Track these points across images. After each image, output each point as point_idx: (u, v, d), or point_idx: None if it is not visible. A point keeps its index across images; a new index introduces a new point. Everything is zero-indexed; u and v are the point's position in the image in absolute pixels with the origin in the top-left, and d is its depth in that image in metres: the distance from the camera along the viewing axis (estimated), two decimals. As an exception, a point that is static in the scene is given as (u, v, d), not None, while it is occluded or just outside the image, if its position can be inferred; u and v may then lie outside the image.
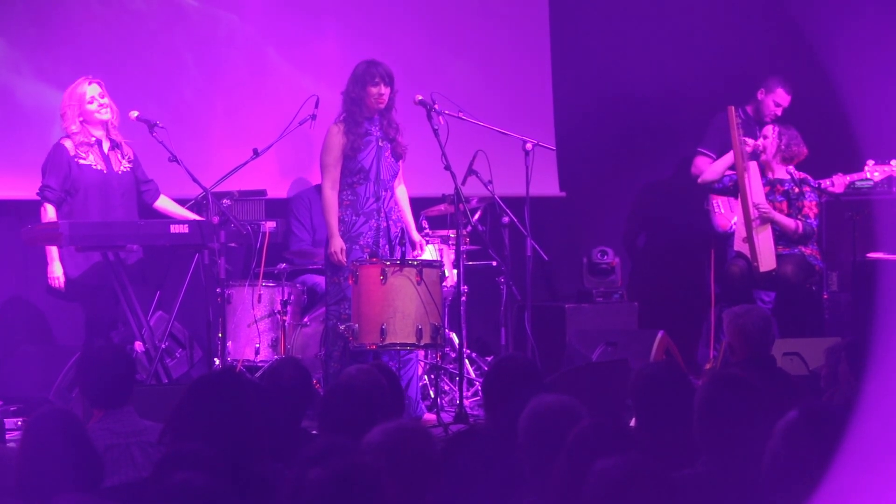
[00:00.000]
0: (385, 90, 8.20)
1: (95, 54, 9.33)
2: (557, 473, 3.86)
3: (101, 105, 8.28)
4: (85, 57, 9.28)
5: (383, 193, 8.25)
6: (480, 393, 8.48)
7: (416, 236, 8.45)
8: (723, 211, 10.20)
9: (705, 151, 10.26)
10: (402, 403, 5.92)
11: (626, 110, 11.23)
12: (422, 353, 8.43)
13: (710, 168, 9.85)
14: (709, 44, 11.08)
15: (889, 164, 9.82)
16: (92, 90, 8.27)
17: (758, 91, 10.26)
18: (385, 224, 8.23)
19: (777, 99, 10.22)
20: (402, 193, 8.43)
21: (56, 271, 8.23)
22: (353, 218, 8.21)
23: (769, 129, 9.63)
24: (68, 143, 8.25)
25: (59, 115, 8.34)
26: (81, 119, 8.25)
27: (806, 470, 3.61)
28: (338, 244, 8.14)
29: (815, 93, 10.67)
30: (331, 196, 8.23)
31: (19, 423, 7.34)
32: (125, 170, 8.38)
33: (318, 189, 9.59)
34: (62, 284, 8.24)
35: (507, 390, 5.05)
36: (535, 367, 5.47)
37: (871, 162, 9.79)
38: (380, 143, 8.25)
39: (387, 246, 8.21)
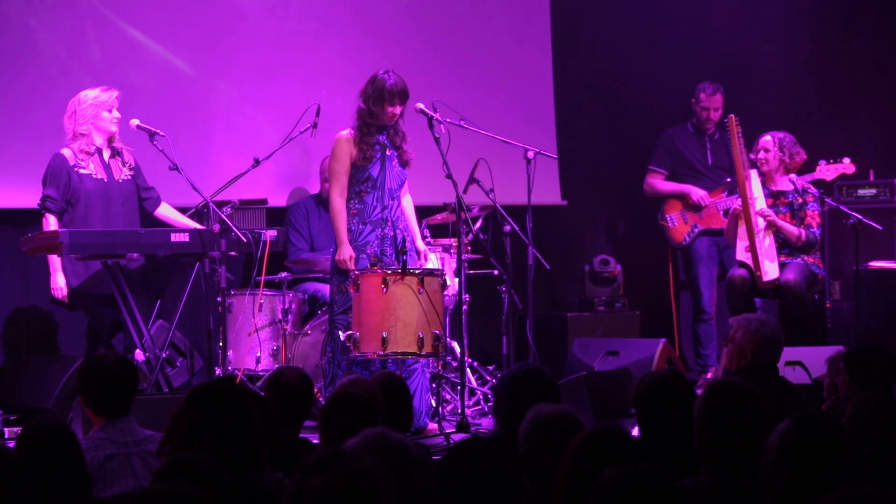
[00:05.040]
0: (400, 109, 8.19)
1: (96, 61, 9.32)
2: (559, 482, 3.84)
3: (115, 117, 8.28)
4: (86, 64, 9.27)
5: (390, 202, 8.22)
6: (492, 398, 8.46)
7: (420, 245, 8.42)
8: (676, 225, 10.26)
9: (656, 168, 10.39)
10: (409, 413, 5.89)
11: (629, 119, 11.24)
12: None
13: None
14: (711, 53, 11.08)
15: (842, 161, 9.81)
16: (113, 101, 8.26)
17: (691, 104, 10.39)
18: (392, 233, 8.21)
19: (701, 104, 10.33)
20: (407, 203, 8.41)
21: (59, 282, 8.20)
22: (360, 227, 8.20)
23: (768, 142, 9.60)
24: (67, 153, 8.22)
25: (69, 113, 8.24)
26: (91, 123, 8.23)
27: (801, 480, 3.59)
28: (347, 252, 8.11)
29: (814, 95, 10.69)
30: (339, 204, 8.21)
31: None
32: (126, 177, 8.36)
33: (317, 197, 9.61)
34: (65, 295, 8.21)
35: (520, 402, 5.02)
36: (553, 384, 5.43)
37: (822, 162, 9.80)
38: (387, 152, 8.23)
39: (393, 255, 8.19)
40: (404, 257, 8.12)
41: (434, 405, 8.34)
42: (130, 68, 9.40)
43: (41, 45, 9.24)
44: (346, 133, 8.24)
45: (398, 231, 8.23)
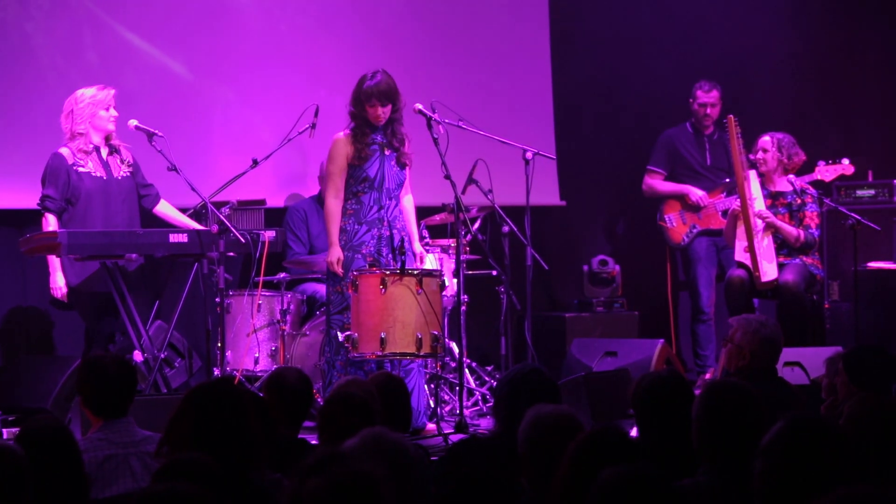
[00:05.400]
0: (383, 110, 8.15)
1: (94, 64, 9.31)
2: (558, 483, 3.83)
3: (112, 116, 8.27)
4: (85, 65, 9.26)
5: (387, 202, 8.21)
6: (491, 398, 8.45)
7: (417, 247, 8.40)
8: (675, 225, 10.25)
9: (655, 169, 10.37)
10: (408, 414, 5.90)
11: (627, 120, 11.24)
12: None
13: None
14: (710, 54, 11.08)
15: (841, 162, 9.80)
16: (109, 100, 8.26)
17: (689, 103, 10.36)
18: (388, 233, 8.20)
19: (699, 101, 10.31)
20: (408, 203, 8.39)
21: (58, 282, 8.20)
22: (356, 227, 8.19)
23: (767, 142, 9.60)
24: (66, 151, 8.21)
25: (66, 112, 8.21)
26: (89, 122, 8.22)
27: (794, 481, 3.58)
28: (335, 254, 8.12)
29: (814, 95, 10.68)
30: (333, 205, 8.21)
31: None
32: (125, 174, 8.36)
33: (315, 199, 9.60)
34: (64, 294, 8.21)
35: (519, 403, 5.00)
36: (553, 385, 5.41)
37: (821, 163, 9.79)
38: (385, 152, 8.22)
39: (390, 255, 8.18)
40: (402, 258, 8.11)
41: (433, 406, 8.34)
42: (128, 70, 9.40)
43: (38, 49, 9.23)
44: (341, 134, 8.24)
45: (395, 231, 8.22)
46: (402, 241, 8.22)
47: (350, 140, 8.20)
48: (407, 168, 8.31)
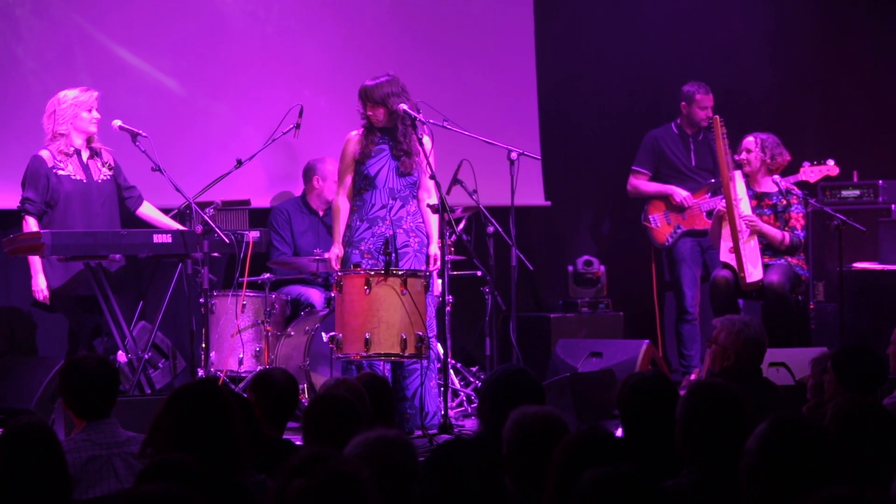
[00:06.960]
0: (373, 112, 8.17)
1: (77, 62, 9.28)
2: (550, 485, 3.82)
3: (94, 118, 8.25)
4: (67, 64, 9.24)
5: (390, 202, 8.21)
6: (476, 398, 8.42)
7: (432, 249, 8.36)
8: (659, 225, 10.25)
9: (639, 169, 10.36)
10: (392, 414, 5.88)
11: (612, 120, 11.24)
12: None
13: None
14: (696, 55, 11.09)
15: (826, 163, 9.80)
16: (92, 101, 8.23)
17: (680, 106, 10.27)
18: (390, 232, 8.19)
19: (700, 104, 10.23)
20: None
21: (40, 284, 8.17)
22: (358, 224, 8.22)
23: (751, 143, 9.59)
24: (46, 154, 8.19)
25: (48, 113, 8.19)
26: (71, 123, 8.19)
27: (778, 482, 3.58)
28: (334, 251, 8.18)
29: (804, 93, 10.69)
30: (338, 202, 8.28)
31: None
32: (105, 177, 8.34)
33: (299, 200, 9.60)
34: (46, 297, 8.18)
35: (504, 404, 4.99)
36: (538, 386, 5.40)
37: (806, 163, 9.79)
38: (393, 153, 8.23)
39: (393, 255, 8.15)
40: (388, 258, 8.08)
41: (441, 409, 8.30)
42: (113, 73, 9.36)
43: (23, 56, 9.19)
44: (354, 132, 8.28)
45: (399, 231, 8.21)
46: (387, 240, 8.19)
47: (359, 138, 8.25)
48: (420, 174, 8.26)
